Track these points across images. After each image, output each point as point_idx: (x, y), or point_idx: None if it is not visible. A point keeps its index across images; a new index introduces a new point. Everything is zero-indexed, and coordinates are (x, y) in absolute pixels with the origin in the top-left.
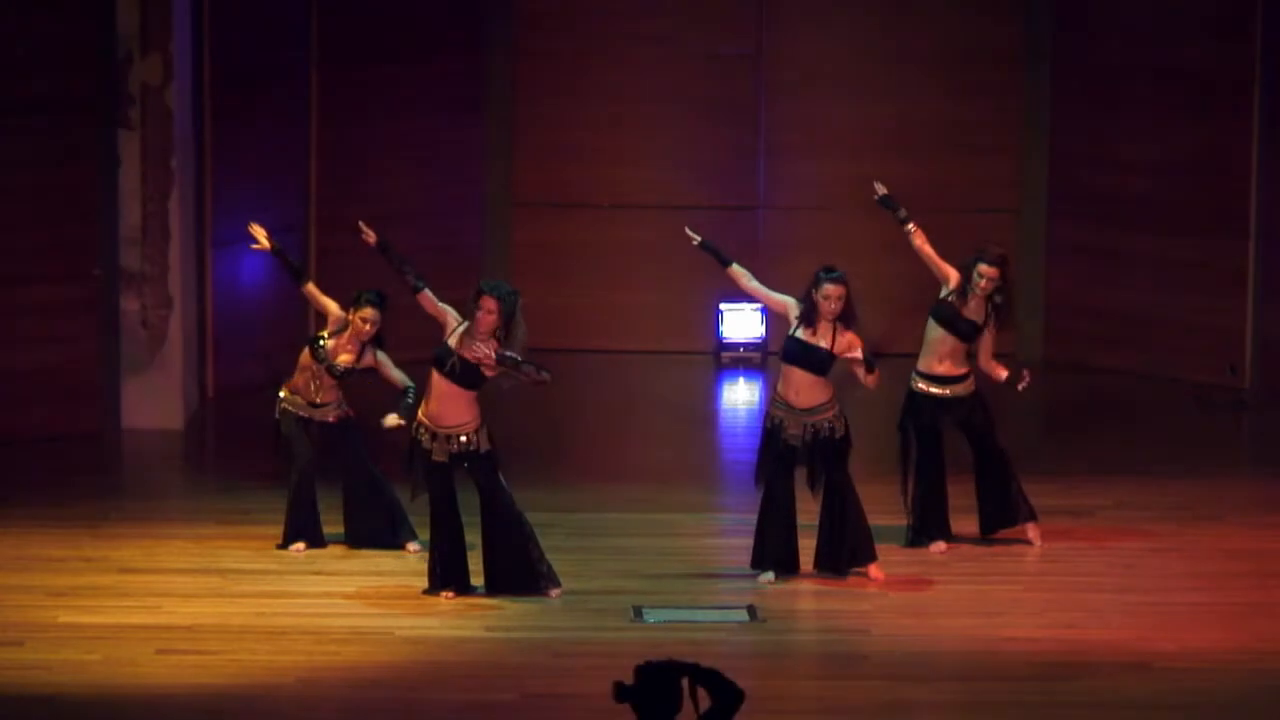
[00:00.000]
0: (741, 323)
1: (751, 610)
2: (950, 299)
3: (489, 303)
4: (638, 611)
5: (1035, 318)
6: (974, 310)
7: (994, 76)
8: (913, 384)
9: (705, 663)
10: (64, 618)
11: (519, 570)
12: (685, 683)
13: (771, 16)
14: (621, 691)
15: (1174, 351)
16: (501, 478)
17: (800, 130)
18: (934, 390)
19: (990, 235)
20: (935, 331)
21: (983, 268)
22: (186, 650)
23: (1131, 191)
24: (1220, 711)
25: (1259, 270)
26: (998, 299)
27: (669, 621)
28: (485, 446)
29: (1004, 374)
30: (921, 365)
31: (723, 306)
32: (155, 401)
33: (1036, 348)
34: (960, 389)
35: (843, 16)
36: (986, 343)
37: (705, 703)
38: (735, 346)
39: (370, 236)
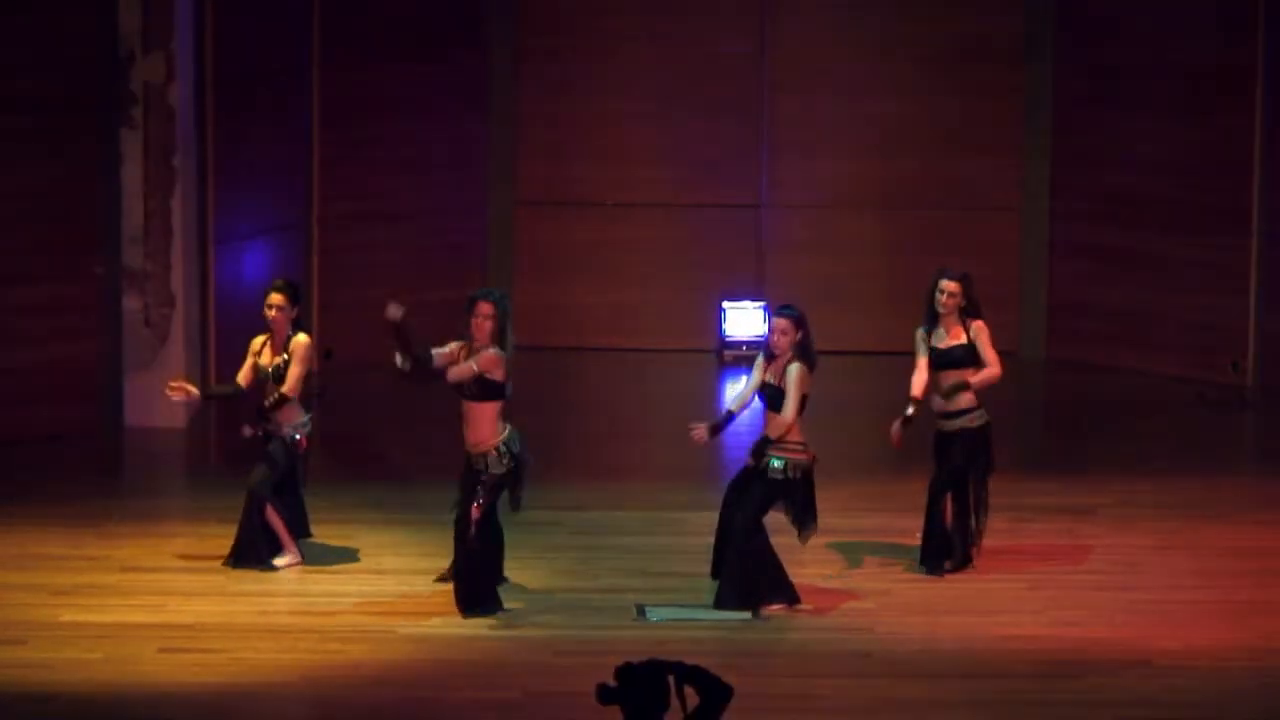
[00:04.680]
0: (744, 321)
1: (755, 609)
2: (935, 346)
3: (486, 308)
4: (640, 610)
5: (1038, 316)
6: (954, 335)
7: (996, 75)
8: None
9: (707, 661)
10: (66, 616)
11: (460, 592)
12: (672, 681)
13: (773, 15)
14: (605, 693)
15: (1176, 349)
16: (480, 502)
17: (802, 128)
18: (944, 426)
19: (991, 234)
20: (938, 373)
21: (943, 283)
22: (189, 649)
23: (1133, 190)
24: (1223, 709)
25: (1261, 268)
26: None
27: (671, 620)
28: (494, 470)
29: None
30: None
31: (725, 305)
32: (158, 399)
33: (1039, 346)
34: (965, 421)
35: (844, 15)
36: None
37: (694, 700)
38: (738, 344)
39: (396, 314)
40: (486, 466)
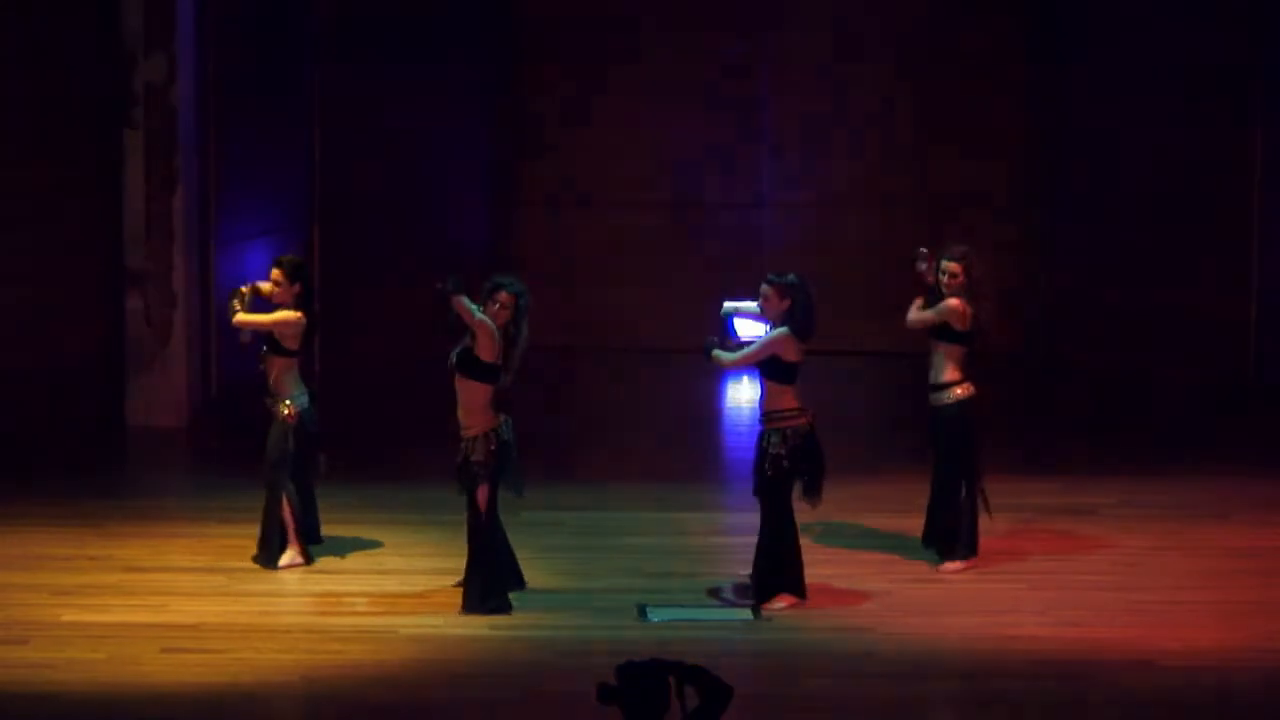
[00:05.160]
0: (747, 320)
1: (756, 609)
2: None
3: (505, 298)
4: (642, 610)
5: (1039, 316)
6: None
7: (996, 75)
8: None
9: (708, 661)
10: (68, 616)
11: (466, 586)
12: (672, 681)
13: (774, 15)
14: (605, 692)
15: (1177, 349)
16: (480, 495)
17: (803, 128)
18: (930, 400)
19: (993, 233)
20: (934, 345)
21: (945, 264)
22: (191, 649)
23: (1136, 190)
24: (1224, 709)
25: (1262, 268)
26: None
27: (673, 620)
28: (476, 456)
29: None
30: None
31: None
32: (159, 399)
33: (1042, 346)
34: (948, 397)
35: (844, 15)
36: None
37: (694, 700)
38: (740, 344)
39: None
40: (469, 453)
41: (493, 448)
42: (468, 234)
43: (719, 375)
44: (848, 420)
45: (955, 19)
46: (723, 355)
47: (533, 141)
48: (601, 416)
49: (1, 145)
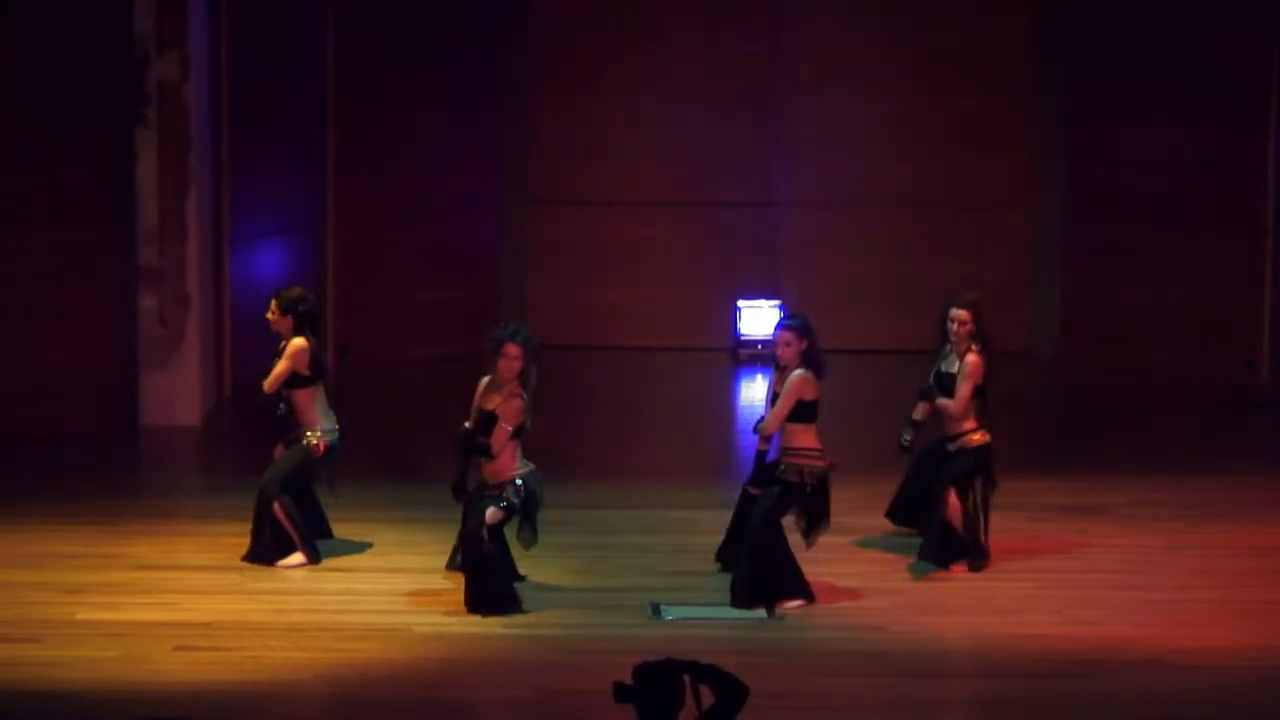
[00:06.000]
0: (759, 319)
1: (769, 608)
2: (939, 369)
3: (513, 349)
4: (655, 609)
5: (1049, 315)
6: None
7: (1008, 75)
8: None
9: (722, 660)
10: (81, 614)
11: (467, 589)
12: (687, 680)
13: (788, 15)
14: (621, 692)
15: (1189, 349)
16: (486, 524)
17: (816, 127)
18: (949, 446)
19: (1003, 232)
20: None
21: (954, 311)
22: (204, 647)
23: (1146, 189)
24: (1238, 708)
25: (1275, 267)
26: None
27: (686, 619)
28: (510, 499)
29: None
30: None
31: (740, 303)
32: (173, 398)
33: (1050, 345)
34: (963, 441)
35: (859, 15)
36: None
37: (709, 699)
38: (753, 343)
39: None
40: (501, 496)
41: (521, 495)
42: (482, 232)
43: (732, 374)
44: (858, 417)
45: (967, 17)
46: (760, 427)
47: (543, 140)
48: (613, 415)
49: (14, 144)
